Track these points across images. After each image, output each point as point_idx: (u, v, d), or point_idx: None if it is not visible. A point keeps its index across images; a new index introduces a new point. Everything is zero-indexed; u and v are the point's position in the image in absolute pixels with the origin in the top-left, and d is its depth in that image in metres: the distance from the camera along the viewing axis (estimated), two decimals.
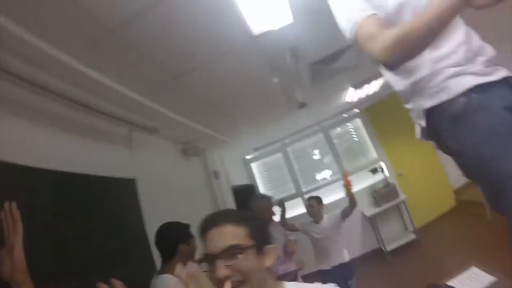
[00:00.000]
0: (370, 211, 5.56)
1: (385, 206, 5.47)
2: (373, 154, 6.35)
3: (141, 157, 2.99)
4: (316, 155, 6.63)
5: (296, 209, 6.25)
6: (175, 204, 3.26)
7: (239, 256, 0.90)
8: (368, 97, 5.66)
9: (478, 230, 4.31)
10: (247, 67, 2.88)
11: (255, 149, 6.28)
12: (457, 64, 1.05)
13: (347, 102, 5.54)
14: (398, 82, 1.21)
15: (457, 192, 5.99)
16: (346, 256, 3.30)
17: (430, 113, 1.12)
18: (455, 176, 5.99)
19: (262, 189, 6.54)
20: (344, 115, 6.49)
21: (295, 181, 6.40)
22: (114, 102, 2.40)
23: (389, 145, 6.24)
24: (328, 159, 6.49)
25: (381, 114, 6.32)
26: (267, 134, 5.65)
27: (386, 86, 5.42)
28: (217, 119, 3.79)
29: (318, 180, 6.50)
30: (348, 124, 6.62)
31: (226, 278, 0.86)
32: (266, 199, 3.11)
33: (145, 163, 3.05)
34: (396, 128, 6.00)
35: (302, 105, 4.66)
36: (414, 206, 5.50)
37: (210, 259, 0.91)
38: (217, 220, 0.97)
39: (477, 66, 1.04)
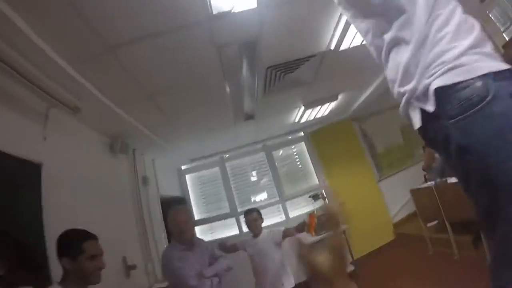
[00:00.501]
0: (308, 238, 5.30)
1: (324, 234, 5.24)
2: (315, 180, 6.21)
3: (56, 141, 2.41)
4: (254, 176, 6.32)
5: (228, 229, 5.85)
6: (89, 206, 2.69)
7: None
8: (316, 120, 5.60)
9: (416, 263, 4.36)
10: (197, 53, 2.50)
11: (192, 160, 5.81)
12: (474, 44, 0.89)
13: (295, 123, 5.39)
14: (403, 50, 0.98)
15: (396, 225, 6.03)
16: (287, 282, 3.00)
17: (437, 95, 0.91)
18: (395, 210, 6.18)
19: (194, 204, 6.00)
20: (289, 137, 6.34)
21: (231, 200, 5.98)
22: (31, 60, 1.86)
23: (332, 172, 6.14)
24: (267, 180, 6.22)
25: (326, 140, 6.27)
26: (206, 144, 5.25)
27: (336, 111, 5.44)
28: (153, 114, 3.34)
29: (253, 201, 6.15)
30: (292, 147, 6.45)
31: None
32: (185, 210, 2.90)
33: (60, 149, 2.47)
34: (340, 156, 6.15)
35: (249, 117, 4.38)
36: (353, 236, 5.39)
37: None
38: None
39: (490, 50, 0.91)
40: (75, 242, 1.58)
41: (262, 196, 6.17)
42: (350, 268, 5.13)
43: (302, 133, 6.36)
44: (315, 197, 5.63)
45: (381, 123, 6.66)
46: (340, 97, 4.71)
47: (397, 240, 5.83)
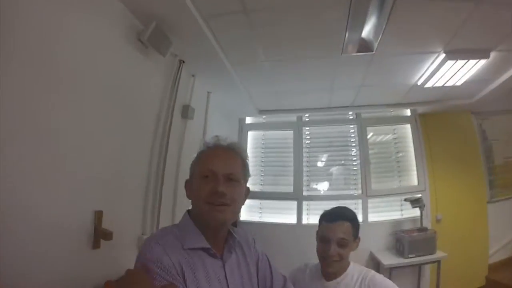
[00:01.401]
0: (388, 259, 3.66)
1: (414, 259, 3.58)
2: (413, 179, 4.40)
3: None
4: (335, 152, 4.65)
5: (283, 214, 4.38)
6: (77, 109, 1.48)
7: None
8: (435, 95, 3.90)
9: None
10: None
11: (261, 112, 4.35)
12: None
13: (414, 88, 3.64)
14: None
15: (491, 268, 4.26)
16: None
17: None
18: (496, 247, 4.36)
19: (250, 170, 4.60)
20: (391, 111, 4.58)
21: (298, 177, 4.45)
22: None
23: (436, 174, 4.35)
24: (350, 164, 4.55)
25: (438, 129, 4.50)
26: (287, 91, 3.76)
27: (467, 88, 3.62)
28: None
29: (324, 187, 4.56)
30: (393, 127, 4.64)
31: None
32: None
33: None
34: (450, 156, 4.39)
35: (366, 47, 2.74)
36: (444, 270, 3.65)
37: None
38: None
39: None
40: None
41: (337, 183, 4.54)
42: None
43: (409, 111, 4.56)
44: (414, 203, 3.86)
45: (505, 126, 4.69)
46: (491, 56, 2.89)
47: None
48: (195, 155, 1.21)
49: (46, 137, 1.42)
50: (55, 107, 1.47)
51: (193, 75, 2.88)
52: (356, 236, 1.59)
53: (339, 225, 1.55)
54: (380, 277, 1.51)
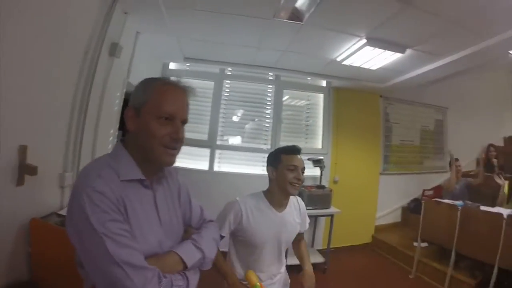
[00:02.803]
0: None
1: (311, 211, 4.02)
2: (318, 143, 4.97)
3: None
4: (251, 109, 4.89)
5: (197, 161, 4.57)
6: None
7: None
8: (352, 72, 4.31)
9: (393, 282, 3.95)
10: None
11: (187, 59, 4.30)
12: None
13: (331, 62, 3.98)
14: None
15: (377, 229, 5.34)
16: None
17: None
18: (382, 212, 5.47)
19: None
20: (309, 79, 4.97)
21: (213, 127, 4.61)
22: None
23: (339, 142, 5.02)
24: (263, 121, 4.88)
25: (348, 104, 5.11)
26: (213, 42, 3.79)
27: (381, 74, 4.18)
28: None
29: (239, 138, 4.84)
30: (307, 94, 5.07)
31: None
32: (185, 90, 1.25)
33: None
34: (354, 129, 5.11)
35: (296, 17, 2.93)
36: (335, 224, 4.33)
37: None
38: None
39: None
40: None
41: (237, 140, 4.85)
42: (319, 259, 4.18)
43: (324, 83, 5.02)
44: (316, 163, 4.39)
45: (406, 114, 5.75)
46: (407, 52, 3.40)
47: (373, 246, 5.14)
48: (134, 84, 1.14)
49: None
50: None
51: (125, 13, 2.72)
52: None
53: (300, 157, 1.77)
54: (302, 201, 1.94)
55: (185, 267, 1.03)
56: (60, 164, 2.17)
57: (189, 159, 4.54)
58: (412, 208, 5.31)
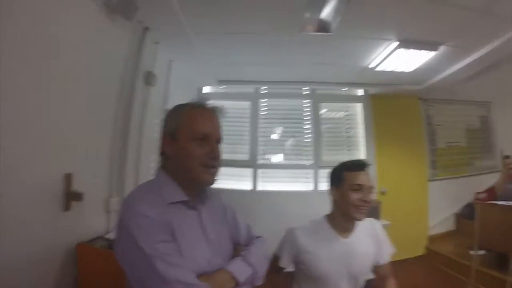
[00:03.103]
0: None
1: None
2: (361, 154, 4.76)
3: None
4: (289, 125, 4.86)
5: (240, 181, 4.57)
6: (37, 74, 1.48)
7: None
8: (387, 78, 4.13)
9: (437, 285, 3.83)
10: None
11: (220, 82, 4.40)
12: None
13: (364, 70, 3.87)
14: None
15: (431, 240, 4.92)
16: None
17: None
18: (435, 221, 5.02)
19: None
20: (344, 89, 4.85)
21: (253, 146, 4.63)
22: None
23: (382, 152, 4.77)
24: (302, 137, 4.79)
25: (387, 110, 4.88)
26: (243, 67, 3.87)
27: (418, 75, 3.96)
28: None
29: (277, 158, 4.79)
30: (345, 104, 4.95)
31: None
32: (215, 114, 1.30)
33: None
34: (397, 137, 4.83)
35: (324, 28, 2.90)
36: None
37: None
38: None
39: None
40: None
41: (290, 153, 4.79)
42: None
43: (361, 92, 4.87)
44: None
45: (448, 115, 5.33)
46: (440, 49, 3.22)
47: (427, 258, 4.73)
48: (169, 113, 1.17)
49: (15, 106, 1.44)
50: (22, 74, 1.47)
51: (156, 42, 2.87)
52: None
53: (367, 173, 1.49)
54: (379, 225, 1.60)
55: (237, 284, 1.05)
56: (105, 189, 2.26)
57: (231, 180, 4.56)
58: (466, 214, 4.87)
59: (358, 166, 1.49)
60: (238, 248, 1.22)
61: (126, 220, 0.95)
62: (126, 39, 2.45)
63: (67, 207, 1.77)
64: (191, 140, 1.07)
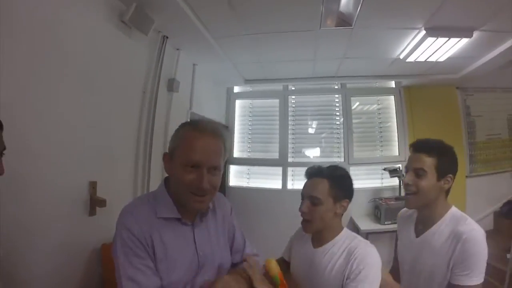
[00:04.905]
0: (366, 224, 3.90)
1: (390, 226, 3.67)
2: (395, 149, 4.59)
3: None
4: (320, 121, 4.80)
5: (269, 180, 4.60)
6: (63, 88, 1.64)
7: None
8: (420, 68, 3.93)
9: None
10: None
11: (247, 81, 4.46)
12: None
13: (395, 61, 3.71)
14: None
15: None
16: None
17: None
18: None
19: (237, 138, 4.81)
20: (376, 83, 4.70)
21: (283, 145, 4.65)
22: None
23: None
24: (333, 133, 4.70)
25: (421, 102, 4.61)
26: (269, 65, 3.88)
27: (451, 63, 3.68)
28: None
29: (310, 155, 4.76)
30: (377, 98, 4.76)
31: None
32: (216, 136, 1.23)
33: None
34: (433, 129, 4.46)
35: (344, 21, 2.83)
36: None
37: None
38: None
39: None
40: None
41: (321, 151, 4.75)
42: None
43: (393, 83, 4.67)
44: (393, 173, 4.07)
45: (489, 104, 4.88)
46: (474, 35, 2.97)
47: None
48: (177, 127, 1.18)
49: (46, 117, 1.60)
50: (52, 87, 1.63)
51: (177, 49, 2.97)
52: (337, 197, 1.40)
53: (313, 182, 1.43)
54: (363, 251, 1.31)
55: None
56: (130, 195, 2.40)
57: (262, 179, 4.63)
58: (506, 213, 4.53)
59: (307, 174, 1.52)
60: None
61: (117, 228, 1.07)
62: (146, 49, 2.56)
63: (92, 212, 1.92)
64: (182, 165, 1.07)
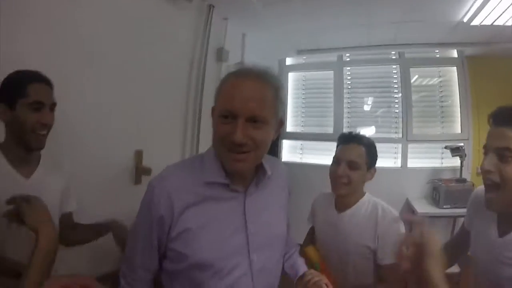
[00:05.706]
0: (422, 207, 3.53)
1: (448, 211, 3.33)
2: (457, 127, 4.09)
3: None
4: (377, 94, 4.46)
5: (323, 155, 4.39)
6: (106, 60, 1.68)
7: None
8: (493, 30, 3.31)
9: None
10: None
11: (300, 52, 4.25)
12: None
13: (458, 25, 3.23)
14: None
15: None
16: None
17: None
18: None
19: (290, 112, 4.67)
20: (436, 52, 4.20)
21: (338, 119, 4.41)
22: None
23: (482, 124, 3.88)
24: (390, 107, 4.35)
25: (487, 74, 3.99)
26: (322, 33, 3.64)
27: None
28: None
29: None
30: (438, 70, 4.24)
31: None
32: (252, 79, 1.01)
33: None
34: (500, 103, 3.68)
35: None
36: None
37: None
38: None
39: None
40: (16, 83, 1.09)
41: (378, 126, 4.43)
42: (454, 268, 3.39)
43: (455, 53, 4.13)
44: (454, 151, 3.65)
45: None
46: None
47: None
48: None
49: (94, 90, 1.65)
50: (96, 60, 1.65)
51: (225, 19, 2.88)
52: (370, 165, 1.46)
53: (352, 147, 1.45)
54: (386, 207, 1.43)
55: None
56: None
57: (316, 155, 4.47)
58: None
59: None
60: None
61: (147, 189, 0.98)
62: (192, 19, 2.51)
63: (138, 181, 1.95)
64: (217, 116, 0.90)
